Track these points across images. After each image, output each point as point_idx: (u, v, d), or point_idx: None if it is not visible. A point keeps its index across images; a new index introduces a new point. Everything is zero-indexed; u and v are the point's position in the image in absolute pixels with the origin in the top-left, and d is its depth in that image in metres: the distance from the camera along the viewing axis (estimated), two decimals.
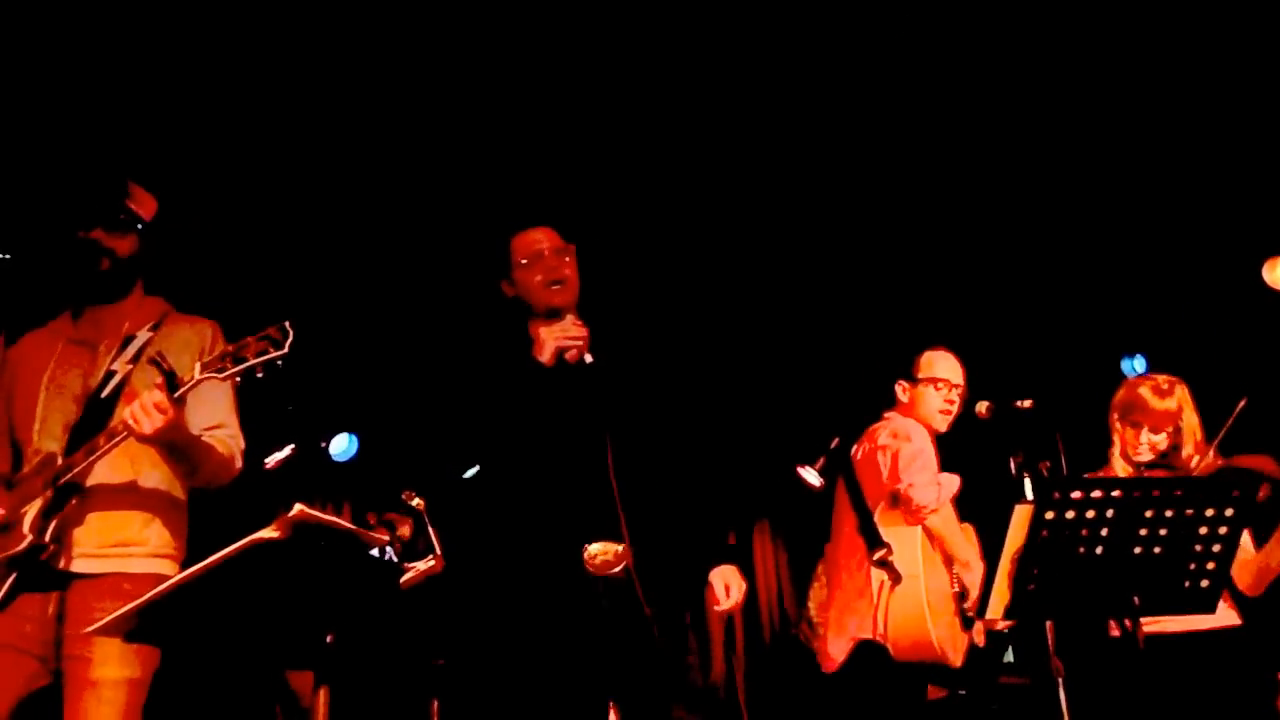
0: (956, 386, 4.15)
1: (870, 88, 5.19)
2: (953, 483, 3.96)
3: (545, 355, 3.05)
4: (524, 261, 3.23)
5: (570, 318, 3.10)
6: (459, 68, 5.05)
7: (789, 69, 5.09)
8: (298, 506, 2.07)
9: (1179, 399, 3.84)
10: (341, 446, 7.56)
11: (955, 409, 4.14)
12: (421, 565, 2.25)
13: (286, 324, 2.74)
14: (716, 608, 3.09)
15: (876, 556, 3.70)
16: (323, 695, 2.36)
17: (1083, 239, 5.96)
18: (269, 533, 2.07)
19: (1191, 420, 3.83)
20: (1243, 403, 3.66)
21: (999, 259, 6.14)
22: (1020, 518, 2.95)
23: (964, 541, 4.04)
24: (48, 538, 2.88)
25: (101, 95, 4.71)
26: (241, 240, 5.65)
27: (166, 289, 3.26)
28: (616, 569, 2.94)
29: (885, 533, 3.79)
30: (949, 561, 3.98)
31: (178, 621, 2.29)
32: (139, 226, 3.12)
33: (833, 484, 4.15)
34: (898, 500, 3.90)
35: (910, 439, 3.97)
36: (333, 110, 5.26)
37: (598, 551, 2.95)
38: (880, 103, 5.28)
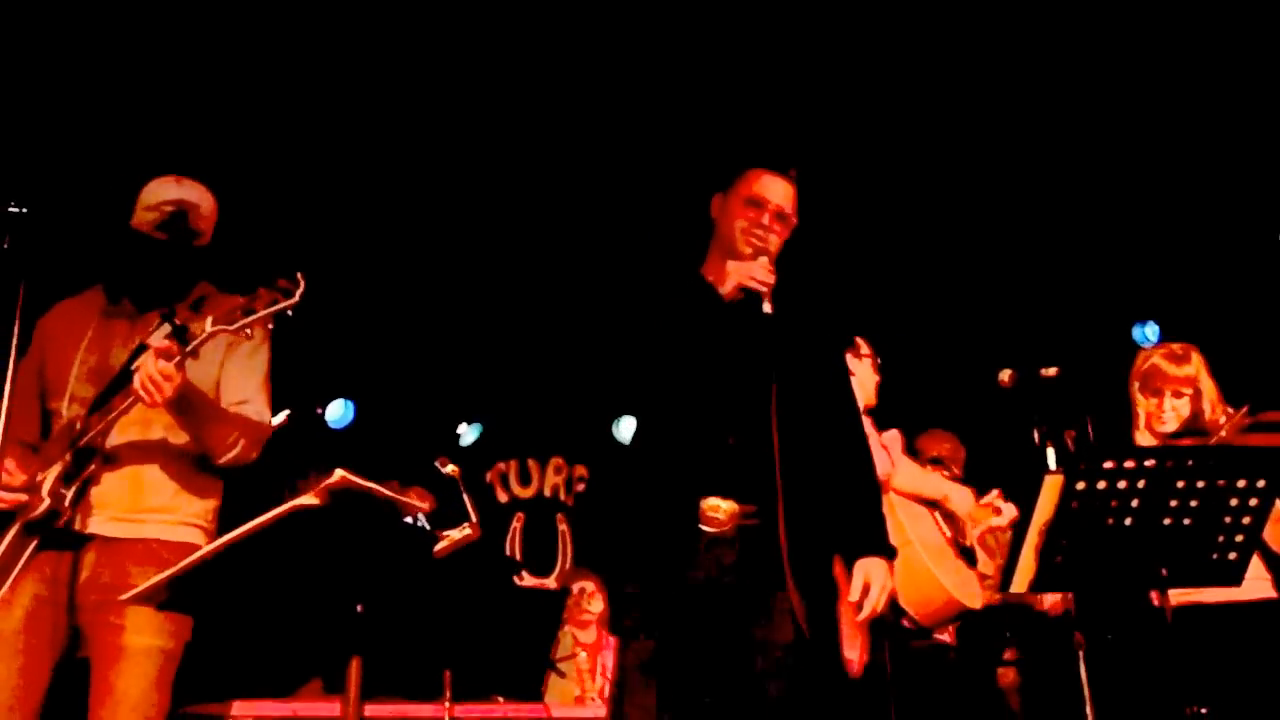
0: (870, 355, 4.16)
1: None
2: (895, 439, 3.98)
3: (726, 288, 2.92)
4: (746, 197, 3.05)
5: (764, 260, 2.93)
6: None
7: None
8: (339, 473, 2.02)
9: (1195, 364, 3.85)
10: (338, 413, 7.50)
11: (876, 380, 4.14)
12: (456, 534, 2.20)
13: (298, 274, 2.74)
14: (850, 600, 2.84)
15: None
16: (355, 665, 2.31)
17: (1103, 208, 5.94)
18: (309, 499, 2.02)
19: (1209, 385, 3.82)
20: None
21: (1021, 228, 6.12)
22: (1050, 488, 2.90)
23: (931, 479, 4.05)
24: (66, 502, 2.88)
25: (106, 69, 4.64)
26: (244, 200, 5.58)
27: None
28: (723, 529, 2.80)
29: None
30: (930, 511, 4.00)
31: (211, 590, 2.23)
32: (203, 252, 3.11)
33: None
34: None
35: None
36: (339, 76, 5.19)
37: (708, 507, 2.81)
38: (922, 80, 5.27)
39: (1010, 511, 4.04)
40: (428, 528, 2.29)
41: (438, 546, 2.29)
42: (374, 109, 5.57)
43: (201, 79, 4.95)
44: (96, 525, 2.93)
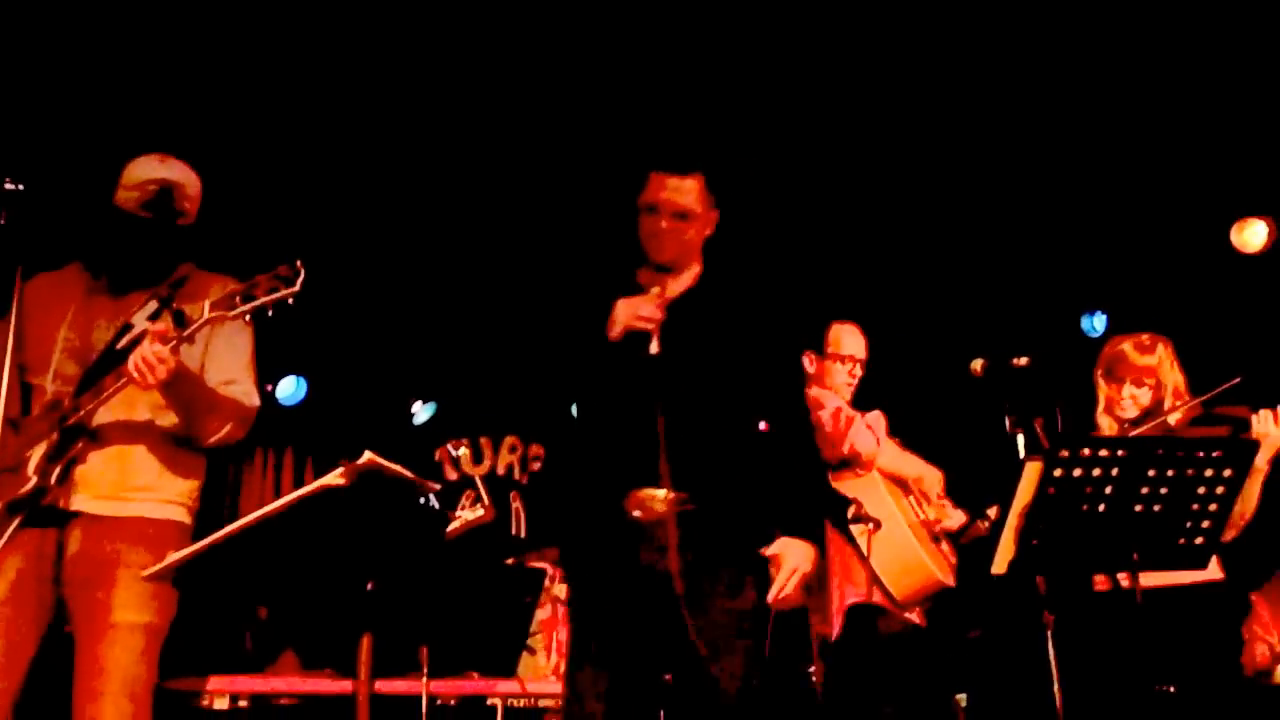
0: (860, 361, 4.24)
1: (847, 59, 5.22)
2: (879, 420, 4.07)
3: (614, 331, 2.96)
4: (645, 205, 3.06)
5: (655, 294, 2.97)
6: None
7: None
8: (367, 454, 2.03)
9: (1160, 355, 3.92)
10: (289, 390, 7.42)
11: (857, 382, 4.24)
12: (470, 515, 2.23)
13: (298, 262, 2.73)
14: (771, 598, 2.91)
15: (850, 514, 3.78)
16: (365, 642, 2.33)
17: (1053, 200, 6.06)
18: (334, 479, 2.03)
19: (1174, 377, 3.90)
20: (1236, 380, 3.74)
21: (967, 217, 6.22)
22: (1030, 474, 2.99)
23: (910, 459, 4.17)
24: (52, 480, 2.86)
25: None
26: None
27: None
28: (659, 515, 2.86)
29: (846, 491, 3.90)
30: (907, 491, 4.11)
31: (225, 567, 2.23)
32: (187, 232, 3.06)
33: None
34: (846, 462, 4.00)
35: (824, 404, 4.06)
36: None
37: (645, 496, 2.88)
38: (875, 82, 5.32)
39: (958, 517, 4.16)
40: (438, 507, 2.31)
41: (450, 527, 2.32)
42: (325, 88, 5.51)
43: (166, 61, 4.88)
44: (81, 503, 2.90)
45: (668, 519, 2.84)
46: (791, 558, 2.87)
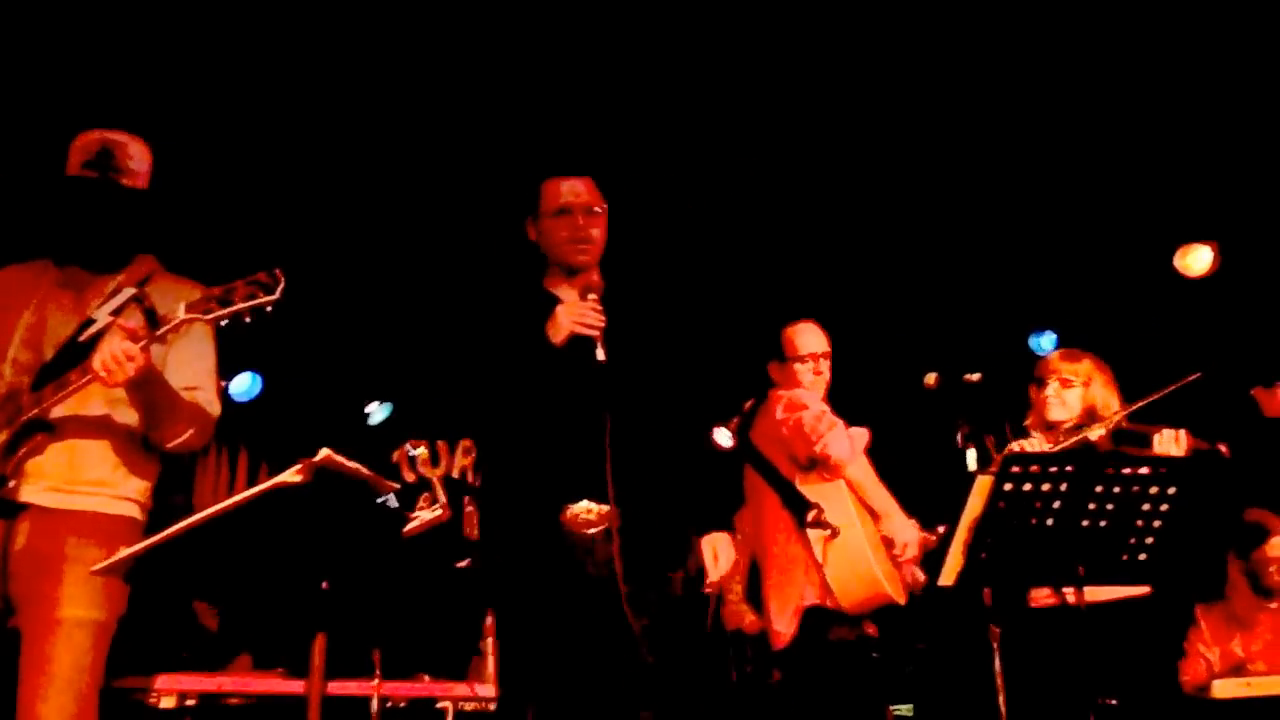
0: (824, 355, 4.22)
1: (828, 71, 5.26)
2: (862, 435, 4.06)
3: (559, 338, 3.00)
4: (553, 210, 3.14)
5: (591, 299, 3.02)
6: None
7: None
8: (324, 451, 2.03)
9: (1087, 366, 4.02)
10: (243, 386, 7.35)
11: (827, 376, 4.22)
12: (427, 515, 2.24)
13: (277, 270, 2.71)
14: (710, 579, 3.14)
15: (810, 518, 3.79)
16: (319, 642, 2.33)
17: (1003, 218, 6.15)
18: (291, 476, 2.03)
19: (1104, 394, 3.99)
20: (1194, 376, 3.78)
21: (940, 236, 6.29)
22: (980, 488, 3.05)
23: (882, 492, 4.12)
24: (9, 471, 2.83)
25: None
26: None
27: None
28: (595, 529, 2.98)
29: (811, 494, 3.89)
30: (871, 511, 4.12)
31: (182, 563, 2.22)
32: (136, 196, 3.02)
33: (744, 444, 4.21)
34: (815, 463, 3.98)
35: (806, 405, 4.06)
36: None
37: (579, 511, 2.99)
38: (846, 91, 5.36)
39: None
40: (396, 507, 2.31)
41: (407, 527, 2.32)
42: (290, 86, 5.48)
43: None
44: (32, 494, 2.87)
45: (611, 531, 2.94)
46: (717, 548, 3.13)
